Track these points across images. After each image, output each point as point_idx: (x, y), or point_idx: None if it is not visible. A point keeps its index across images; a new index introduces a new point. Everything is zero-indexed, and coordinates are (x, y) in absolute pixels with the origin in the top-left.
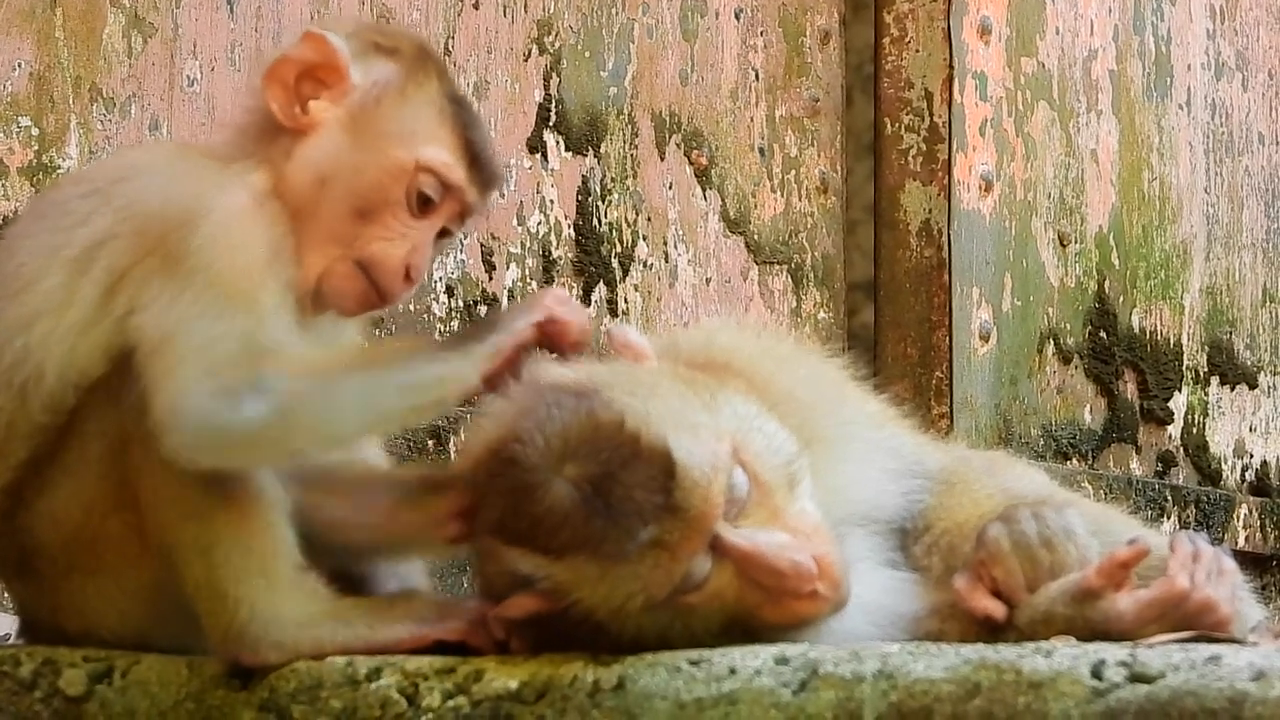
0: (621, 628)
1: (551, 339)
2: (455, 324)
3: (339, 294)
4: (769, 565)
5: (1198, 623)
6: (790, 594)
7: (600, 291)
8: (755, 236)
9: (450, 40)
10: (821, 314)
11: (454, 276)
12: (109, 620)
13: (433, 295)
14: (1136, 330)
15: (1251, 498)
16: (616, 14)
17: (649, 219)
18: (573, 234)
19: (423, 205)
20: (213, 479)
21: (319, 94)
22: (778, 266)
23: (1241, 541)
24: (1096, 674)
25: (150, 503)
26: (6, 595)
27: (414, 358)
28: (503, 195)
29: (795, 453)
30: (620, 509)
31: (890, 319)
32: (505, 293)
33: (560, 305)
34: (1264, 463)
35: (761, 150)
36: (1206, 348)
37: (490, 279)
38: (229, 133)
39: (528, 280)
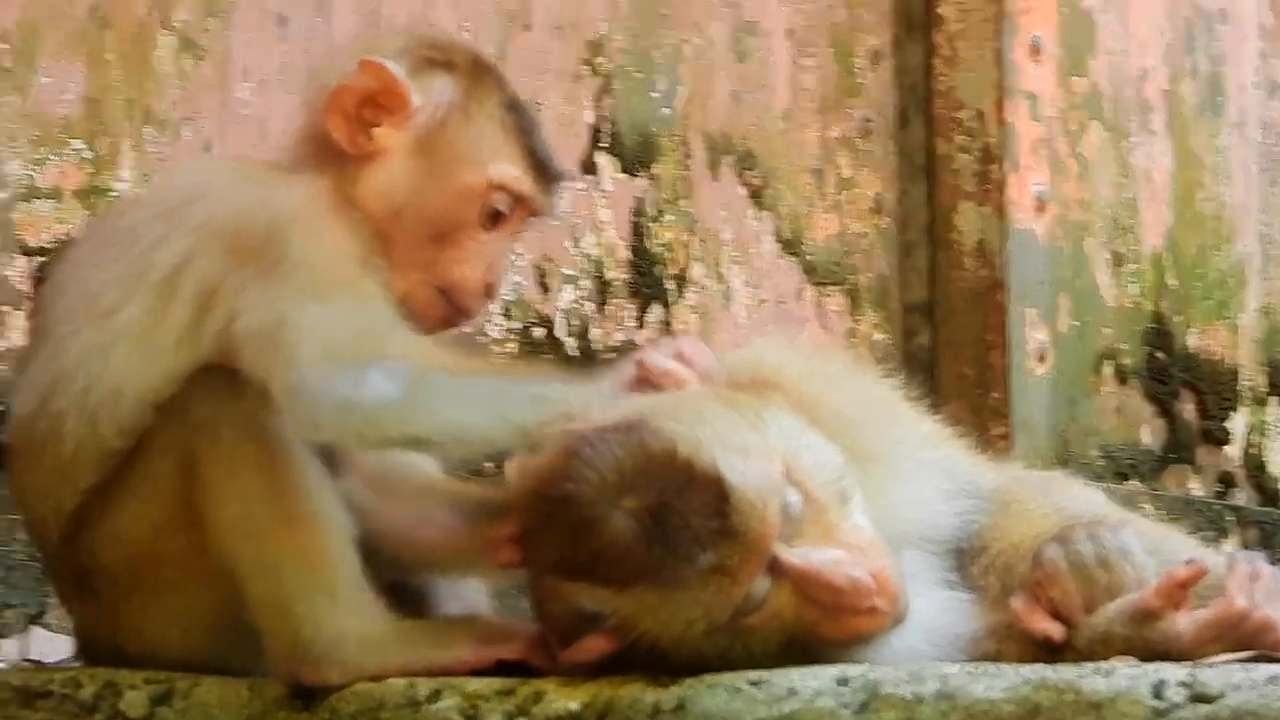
0: (683, 653)
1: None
2: (511, 346)
3: (422, 316)
4: (827, 583)
5: (1257, 642)
6: (849, 610)
7: (655, 313)
8: (810, 258)
9: (501, 62)
10: (877, 335)
11: (509, 299)
12: (170, 641)
13: (488, 317)
14: (1193, 350)
15: None
16: (667, 35)
17: (703, 240)
18: (627, 255)
19: (494, 220)
20: (279, 497)
21: (381, 120)
22: (833, 288)
23: None
24: (1157, 694)
25: (215, 520)
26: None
27: (545, 375)
28: (557, 217)
29: (844, 467)
30: (678, 537)
31: (947, 340)
32: (560, 314)
33: (692, 349)
34: None
35: (815, 171)
36: (1265, 367)
37: (545, 301)
38: (285, 152)
39: (582, 302)
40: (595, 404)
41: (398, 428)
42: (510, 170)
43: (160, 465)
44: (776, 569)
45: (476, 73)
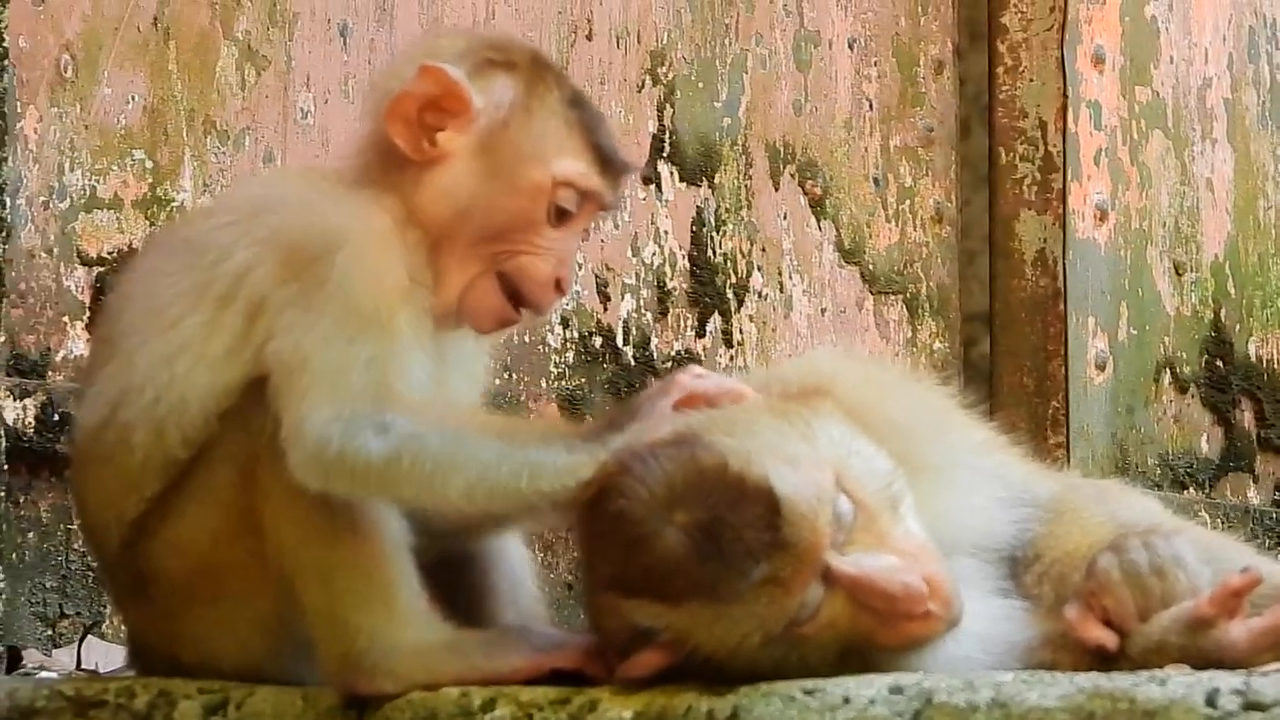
0: (739, 665)
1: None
2: (570, 355)
3: (480, 311)
4: (880, 590)
5: None
6: (903, 616)
7: (715, 322)
8: (870, 266)
9: (564, 71)
10: (937, 344)
11: (569, 308)
12: (227, 650)
13: (548, 327)
14: (1253, 359)
15: None
16: (730, 44)
17: (763, 249)
18: (687, 265)
19: (562, 216)
20: (337, 505)
21: (444, 124)
22: (893, 297)
23: None
24: (1210, 702)
25: (274, 527)
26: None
27: (547, 438)
28: (618, 225)
29: (894, 472)
30: (732, 550)
31: (1006, 349)
32: (620, 324)
33: (696, 380)
34: None
35: (876, 180)
36: None
37: (605, 310)
38: (349, 161)
39: (642, 311)
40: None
41: (380, 487)
42: (576, 166)
43: (221, 474)
44: (829, 578)
45: (536, 70)
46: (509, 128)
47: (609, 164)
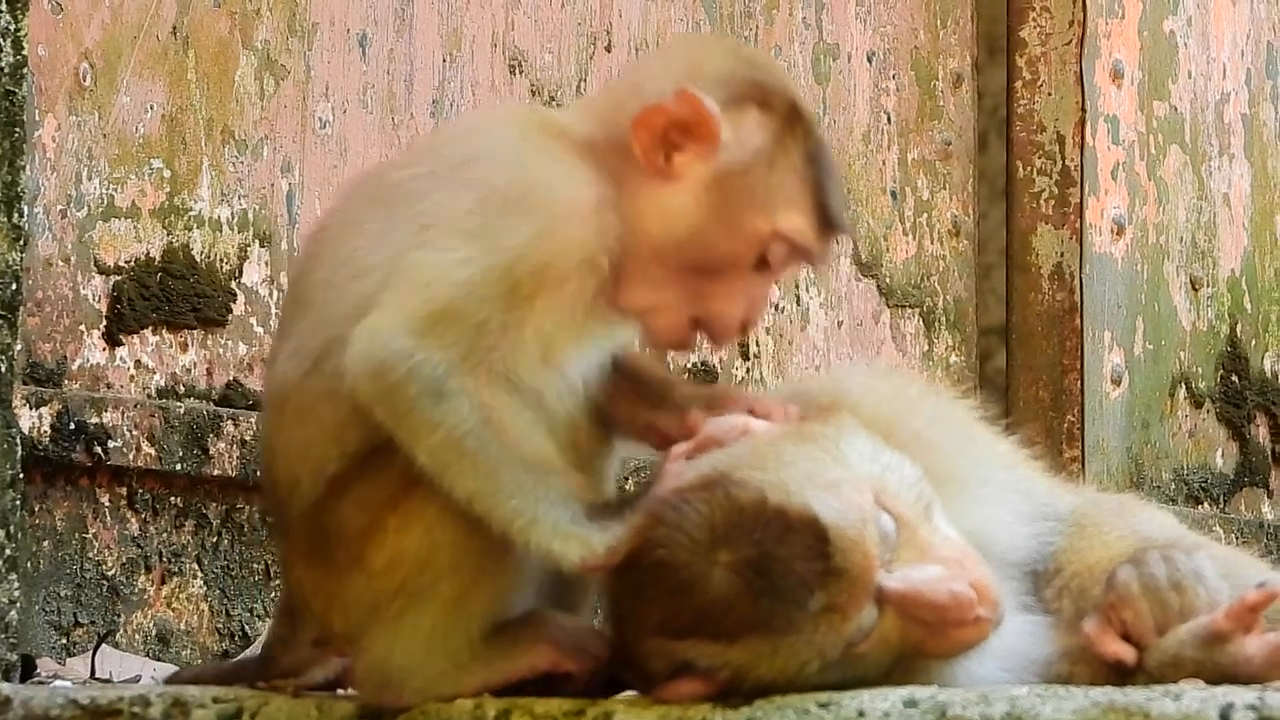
0: (795, 689)
1: None
2: None
3: (664, 335)
4: (930, 602)
5: None
6: (954, 624)
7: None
8: (887, 279)
9: (582, 83)
10: (954, 357)
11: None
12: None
13: None
14: (1269, 374)
15: None
16: None
17: None
18: None
19: (765, 263)
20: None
21: (685, 146)
22: (910, 310)
23: None
24: (1224, 716)
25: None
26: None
27: (574, 501)
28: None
29: (920, 477)
30: (785, 584)
31: (1022, 362)
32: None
33: (717, 430)
34: None
35: (893, 193)
36: None
37: None
38: (578, 119)
39: None
40: (584, 557)
41: (401, 427)
42: (798, 223)
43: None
44: (881, 597)
45: (790, 119)
46: (748, 174)
47: (828, 225)
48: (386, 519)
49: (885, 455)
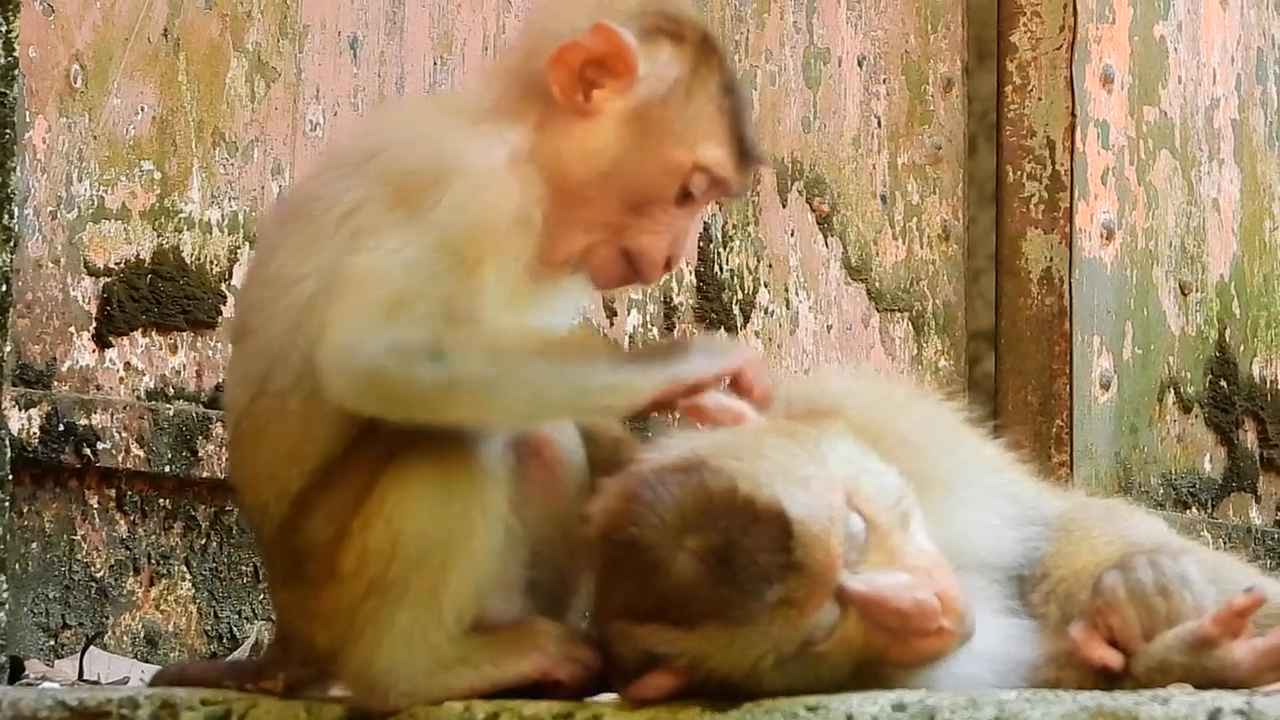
0: (751, 685)
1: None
2: None
3: (600, 273)
4: (892, 608)
5: None
6: (916, 633)
7: (721, 338)
8: (877, 284)
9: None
10: (942, 362)
11: (574, 322)
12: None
13: None
14: (1257, 379)
15: None
16: (739, 61)
17: (770, 266)
18: (694, 280)
19: (687, 197)
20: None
21: (602, 82)
22: (899, 314)
23: None
24: None
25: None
26: (117, 637)
27: (595, 360)
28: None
29: (904, 488)
30: (745, 574)
31: (1011, 367)
32: (626, 338)
33: (753, 368)
34: None
35: (883, 198)
36: None
37: (611, 325)
38: (485, 86)
39: (649, 326)
40: (640, 397)
41: (432, 412)
42: (717, 154)
43: (363, 450)
44: (842, 597)
45: (704, 50)
46: (666, 105)
47: (746, 156)
48: (351, 524)
49: (868, 461)
